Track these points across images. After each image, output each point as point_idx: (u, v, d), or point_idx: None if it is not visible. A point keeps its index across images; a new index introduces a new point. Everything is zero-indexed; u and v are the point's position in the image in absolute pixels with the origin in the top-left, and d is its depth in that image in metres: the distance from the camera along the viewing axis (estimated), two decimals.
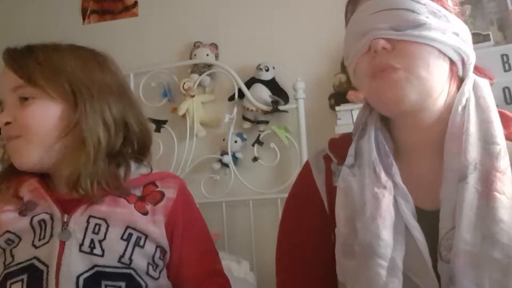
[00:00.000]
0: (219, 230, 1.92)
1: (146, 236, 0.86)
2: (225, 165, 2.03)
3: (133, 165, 0.93)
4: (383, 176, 0.73)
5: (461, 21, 0.76)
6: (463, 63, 0.76)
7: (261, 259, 1.86)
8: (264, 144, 2.02)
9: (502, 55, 1.65)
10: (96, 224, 0.84)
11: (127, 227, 0.85)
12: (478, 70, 0.81)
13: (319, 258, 0.79)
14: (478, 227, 0.64)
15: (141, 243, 0.85)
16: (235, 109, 2.04)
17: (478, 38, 1.71)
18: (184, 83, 2.06)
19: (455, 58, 0.74)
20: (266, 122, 2.04)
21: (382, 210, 0.70)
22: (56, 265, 0.79)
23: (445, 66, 0.74)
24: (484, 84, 0.77)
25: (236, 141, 2.02)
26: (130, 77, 2.12)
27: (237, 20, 2.19)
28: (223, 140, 2.04)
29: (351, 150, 0.79)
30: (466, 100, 0.74)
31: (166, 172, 0.99)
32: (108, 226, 0.84)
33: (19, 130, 0.86)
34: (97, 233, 0.83)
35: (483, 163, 0.68)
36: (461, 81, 0.78)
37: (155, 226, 0.87)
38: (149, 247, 0.86)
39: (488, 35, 1.72)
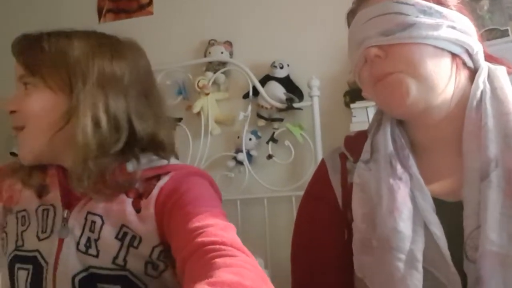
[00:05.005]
0: None
1: (140, 237, 0.79)
2: (240, 163, 2.03)
3: (145, 158, 0.85)
4: (399, 168, 0.72)
5: (461, 14, 0.74)
6: (469, 54, 0.74)
7: (275, 256, 1.86)
8: (278, 142, 2.01)
9: None
10: (92, 222, 0.80)
11: (122, 225, 0.79)
12: (493, 60, 0.78)
13: (333, 253, 0.79)
14: (504, 226, 0.62)
15: (135, 243, 0.78)
16: (250, 107, 2.04)
17: (496, 33, 1.68)
18: (199, 81, 2.07)
19: (456, 50, 0.72)
20: (281, 120, 2.03)
21: (398, 202, 0.69)
22: (54, 263, 0.78)
23: (445, 60, 0.72)
24: (501, 72, 0.74)
25: (250, 139, 2.02)
26: None
27: (252, 18, 2.19)
28: (238, 137, 2.05)
29: (367, 146, 0.79)
30: (481, 93, 0.72)
31: (180, 165, 0.87)
32: (103, 223, 0.79)
33: (23, 120, 0.82)
34: (93, 232, 0.79)
35: (505, 159, 0.66)
36: (474, 72, 0.75)
37: (145, 223, 0.78)
38: (144, 249, 0.79)
39: (507, 30, 1.69)
